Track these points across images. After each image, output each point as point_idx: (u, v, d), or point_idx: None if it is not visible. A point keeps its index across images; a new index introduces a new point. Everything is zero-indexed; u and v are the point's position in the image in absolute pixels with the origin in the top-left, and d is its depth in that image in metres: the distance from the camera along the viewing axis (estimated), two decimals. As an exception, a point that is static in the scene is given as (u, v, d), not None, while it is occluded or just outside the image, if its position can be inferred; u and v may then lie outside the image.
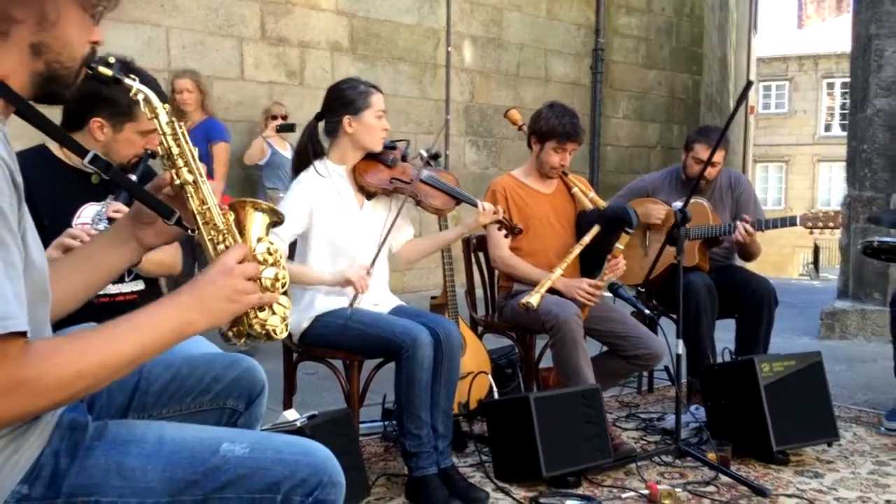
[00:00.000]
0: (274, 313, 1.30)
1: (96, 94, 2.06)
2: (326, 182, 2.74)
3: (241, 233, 1.32)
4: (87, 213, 2.22)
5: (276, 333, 1.30)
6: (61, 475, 1.12)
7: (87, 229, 2.00)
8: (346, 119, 2.71)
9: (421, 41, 7.50)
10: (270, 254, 1.31)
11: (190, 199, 1.31)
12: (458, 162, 7.76)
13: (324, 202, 2.71)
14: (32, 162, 2.16)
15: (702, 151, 3.66)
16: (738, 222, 3.49)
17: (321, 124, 2.81)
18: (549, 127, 3.21)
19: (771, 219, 3.55)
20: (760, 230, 3.51)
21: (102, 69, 1.24)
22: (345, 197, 2.76)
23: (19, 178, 1.07)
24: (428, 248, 2.98)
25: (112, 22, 5.58)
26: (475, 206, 2.88)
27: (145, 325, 1.14)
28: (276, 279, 1.30)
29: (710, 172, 3.62)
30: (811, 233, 3.57)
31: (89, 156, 1.28)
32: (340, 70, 6.76)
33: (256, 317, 1.28)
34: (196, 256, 4.12)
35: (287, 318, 1.33)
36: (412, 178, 2.78)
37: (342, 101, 2.73)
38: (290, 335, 2.77)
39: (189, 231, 1.34)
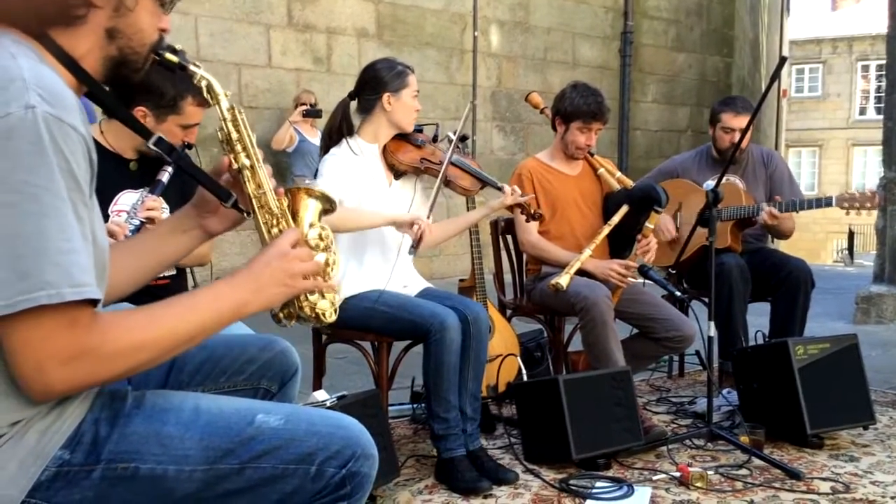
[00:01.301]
0: (324, 297, 1.34)
1: (144, 83, 2.07)
2: (358, 159, 2.76)
3: (294, 218, 1.36)
4: (124, 201, 2.23)
5: (325, 317, 1.35)
6: (101, 442, 1.13)
7: (124, 226, 2.03)
8: (385, 96, 2.72)
9: (447, 26, 7.47)
10: (322, 239, 1.36)
11: (247, 183, 1.35)
12: (486, 147, 7.74)
13: (354, 177, 2.72)
14: None
15: (729, 120, 3.62)
16: (764, 205, 3.43)
17: (353, 103, 2.82)
18: (574, 107, 3.18)
19: (806, 199, 3.48)
20: (795, 211, 3.44)
21: (169, 56, 1.28)
22: (375, 174, 2.77)
23: (94, 156, 1.10)
24: (453, 230, 2.96)
25: (141, 10, 5.63)
26: (500, 188, 2.86)
27: (205, 304, 1.19)
28: (328, 264, 1.34)
29: (743, 139, 3.56)
30: (847, 213, 3.50)
31: (154, 138, 1.32)
32: (367, 56, 6.75)
33: (307, 300, 1.32)
34: None
35: (336, 303, 1.36)
36: (441, 159, 2.79)
37: (380, 79, 2.74)
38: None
39: (245, 214, 1.38)
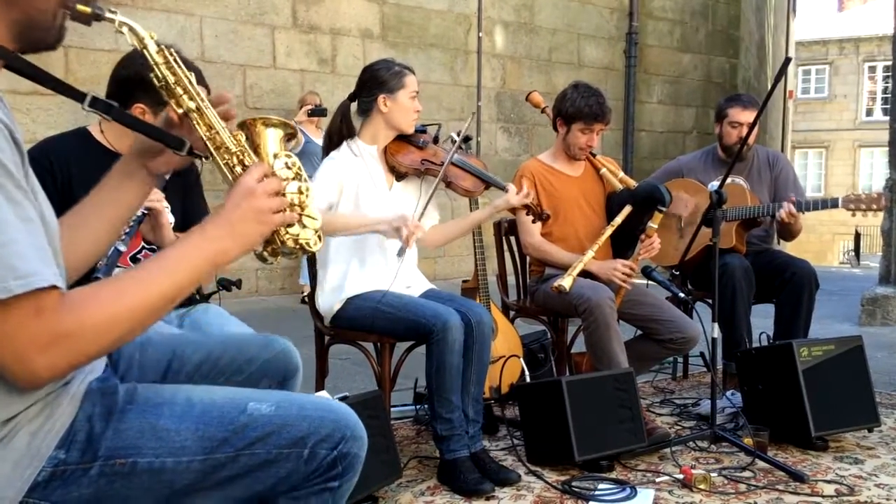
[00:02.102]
0: (305, 226, 1.27)
1: (140, 80, 2.05)
2: (358, 161, 2.75)
3: (256, 151, 1.29)
4: None
5: (309, 246, 1.28)
6: (97, 439, 1.14)
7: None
8: (381, 98, 2.71)
9: (452, 27, 7.47)
10: (289, 168, 1.28)
11: (197, 126, 1.27)
12: (490, 148, 7.73)
13: (354, 180, 2.71)
14: (74, 145, 2.18)
15: (736, 114, 3.62)
16: (785, 202, 3.42)
17: (353, 105, 2.82)
18: (576, 108, 3.17)
19: (812, 200, 3.48)
20: (801, 212, 3.44)
21: (80, 7, 1.19)
22: (375, 176, 2.76)
23: (19, 136, 1.05)
24: (456, 231, 2.96)
25: (145, 10, 5.64)
26: (504, 189, 2.85)
27: (177, 261, 1.14)
28: (301, 192, 1.26)
29: (747, 136, 3.55)
30: (853, 215, 3.49)
31: (88, 98, 1.24)
32: (372, 57, 6.76)
33: (288, 233, 1.26)
34: None
35: (318, 231, 1.29)
36: (443, 160, 2.77)
37: (377, 80, 2.73)
38: (321, 318, 2.79)
39: (202, 158, 1.31)
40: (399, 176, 2.80)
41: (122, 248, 1.92)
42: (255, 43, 6.32)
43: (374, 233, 2.62)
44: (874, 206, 3.41)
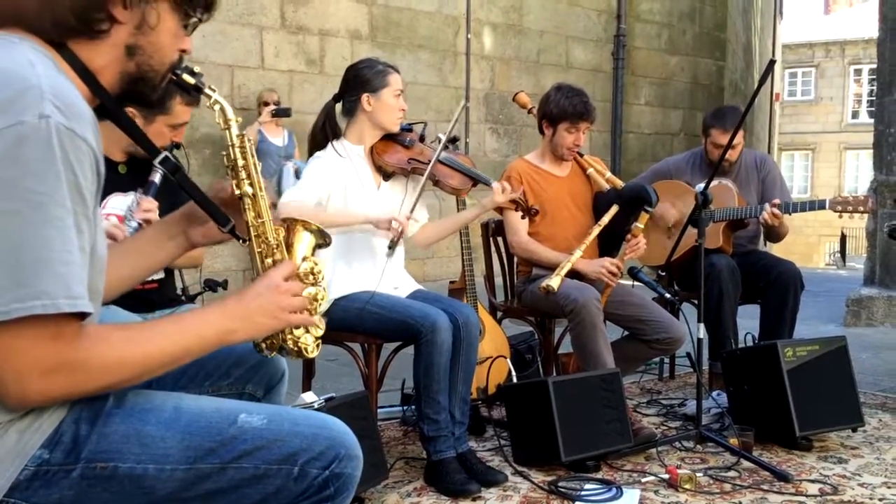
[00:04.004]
0: (308, 332, 1.35)
1: None
2: (344, 162, 2.74)
3: (288, 250, 1.38)
4: (113, 204, 2.22)
5: (307, 352, 1.36)
6: (81, 441, 1.13)
7: (123, 228, 2.02)
8: (364, 97, 2.71)
9: (441, 28, 7.47)
10: (313, 274, 1.36)
11: (247, 210, 1.37)
12: (479, 150, 7.74)
13: (341, 181, 2.71)
14: None
15: (719, 136, 3.61)
16: (766, 204, 3.44)
17: (339, 105, 2.81)
18: (560, 109, 3.18)
19: (799, 202, 3.49)
20: (788, 213, 3.45)
21: (186, 77, 1.29)
22: (363, 177, 2.76)
23: (102, 169, 1.11)
24: (445, 230, 2.96)
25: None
26: (489, 185, 2.85)
27: (191, 327, 1.19)
28: (315, 299, 1.34)
29: (731, 154, 3.58)
30: (840, 216, 3.51)
31: (160, 156, 1.33)
32: (360, 58, 6.75)
33: (291, 333, 1.34)
34: None
35: (319, 339, 1.37)
36: (429, 158, 2.77)
37: (360, 79, 2.72)
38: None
39: (241, 241, 1.39)
40: (386, 175, 2.80)
41: None
42: (243, 43, 6.29)
43: (365, 224, 2.62)
44: (861, 209, 3.44)
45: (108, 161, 2.18)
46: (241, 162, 1.37)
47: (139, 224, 2.06)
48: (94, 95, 1.17)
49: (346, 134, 2.80)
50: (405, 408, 3.20)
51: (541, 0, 8.22)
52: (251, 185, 1.37)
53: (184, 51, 1.26)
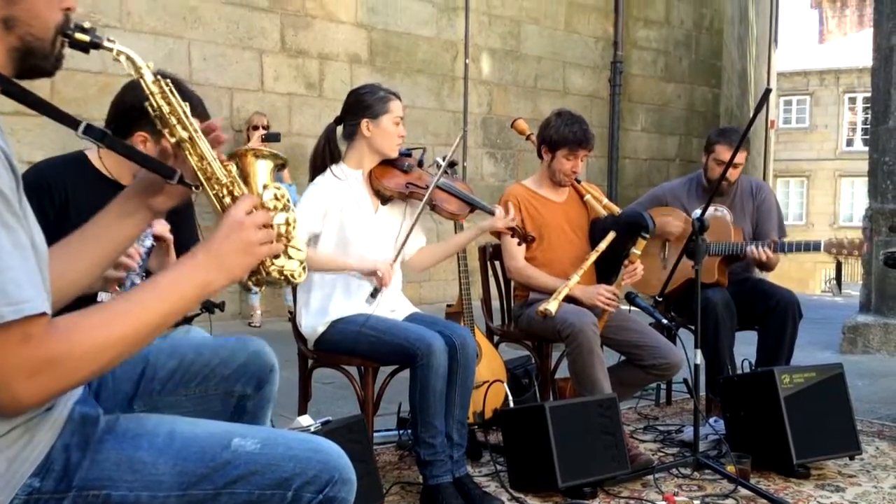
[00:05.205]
0: (290, 257, 1.28)
1: (142, 108, 2.04)
2: (343, 185, 2.76)
3: (246, 182, 1.30)
4: None
5: (294, 277, 1.28)
6: (73, 469, 1.11)
7: (137, 248, 1.99)
8: (363, 122, 2.73)
9: (439, 53, 7.54)
10: (278, 199, 1.29)
11: (189, 156, 1.29)
12: (476, 174, 7.78)
13: (339, 205, 2.72)
14: (70, 170, 2.15)
15: (723, 153, 3.62)
16: (761, 243, 3.44)
17: (339, 128, 2.83)
18: (560, 136, 3.20)
19: (794, 242, 3.49)
20: (782, 252, 3.46)
21: (79, 35, 1.19)
22: (360, 201, 2.77)
23: (15, 162, 1.05)
24: (442, 253, 2.97)
25: (134, 33, 5.66)
26: (491, 212, 2.87)
27: (166, 290, 1.14)
28: (288, 223, 1.28)
29: (733, 174, 3.58)
30: (835, 258, 3.51)
31: (81, 126, 1.24)
32: (359, 82, 6.80)
33: (273, 263, 1.26)
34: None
35: (304, 262, 1.30)
36: (427, 183, 2.78)
37: (361, 104, 2.74)
38: (304, 340, 2.78)
39: (193, 188, 1.32)
40: (384, 200, 2.81)
41: (139, 280, 1.90)
42: (243, 66, 6.34)
43: (354, 272, 2.65)
44: (856, 252, 3.43)
45: (118, 186, 2.16)
46: (166, 108, 1.29)
47: (152, 245, 2.03)
48: None
49: (345, 158, 2.82)
50: (401, 432, 3.19)
51: (538, 27, 8.30)
52: (184, 128, 1.29)
53: (68, 8, 1.17)
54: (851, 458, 3.06)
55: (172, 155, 1.32)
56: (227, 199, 1.27)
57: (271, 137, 5.70)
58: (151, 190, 1.37)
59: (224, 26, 6.22)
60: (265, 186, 1.30)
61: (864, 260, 6.07)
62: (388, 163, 2.81)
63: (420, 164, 2.89)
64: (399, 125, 2.77)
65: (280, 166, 1.36)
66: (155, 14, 5.81)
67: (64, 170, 2.16)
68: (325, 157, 2.79)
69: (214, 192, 1.28)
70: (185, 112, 1.30)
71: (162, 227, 2.08)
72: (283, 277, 1.28)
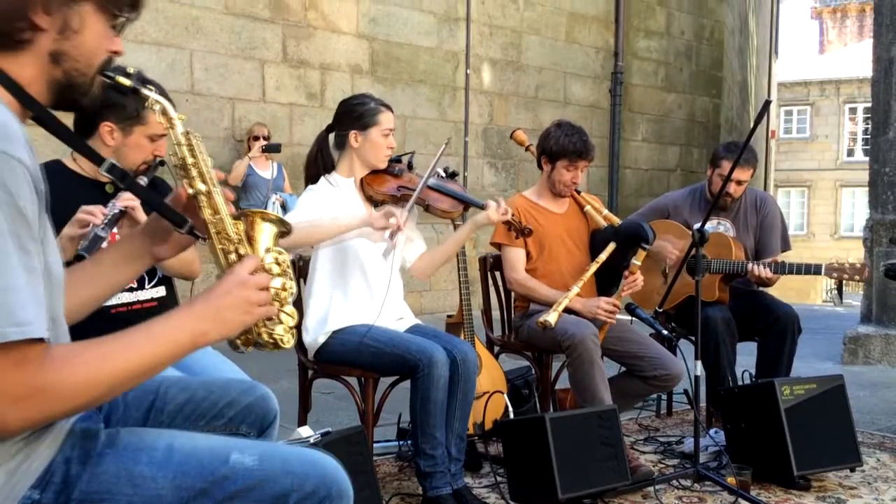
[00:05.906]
0: (281, 322, 1.30)
1: (105, 99, 2.05)
2: (336, 191, 2.77)
3: (250, 243, 1.33)
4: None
5: (282, 343, 1.31)
6: (72, 482, 1.12)
7: (101, 208, 1.98)
8: (352, 133, 2.73)
9: (440, 64, 7.56)
10: (278, 264, 1.31)
11: (202, 208, 1.32)
12: (477, 184, 7.79)
13: (333, 210, 2.71)
14: (49, 176, 2.17)
15: (727, 169, 3.61)
16: (761, 263, 3.43)
17: (331, 137, 2.84)
18: (560, 146, 3.21)
19: (795, 263, 3.47)
20: (783, 273, 3.45)
21: (121, 79, 1.26)
22: (353, 207, 2.76)
23: (41, 186, 1.08)
24: (442, 254, 2.93)
25: (135, 44, 5.68)
26: (483, 207, 2.85)
27: (161, 335, 1.15)
28: (284, 289, 1.30)
29: (737, 190, 3.58)
30: (833, 276, 3.46)
31: (106, 164, 1.28)
32: (360, 92, 6.85)
33: (265, 326, 1.29)
34: None
35: (293, 328, 1.33)
36: (418, 184, 2.78)
37: (351, 115, 2.75)
38: (305, 351, 2.78)
39: (201, 240, 1.35)
40: (376, 204, 2.79)
41: (102, 234, 1.91)
42: (245, 77, 6.36)
43: (362, 226, 2.57)
44: (857, 277, 3.41)
45: (94, 183, 2.18)
46: (190, 160, 1.34)
47: (120, 212, 2.01)
48: (25, 108, 1.13)
49: (336, 166, 2.82)
50: (401, 443, 3.18)
51: (539, 37, 8.33)
52: (203, 182, 1.33)
53: (115, 52, 1.21)
54: (852, 470, 3.06)
55: (185, 205, 1.36)
56: (233, 256, 1.31)
57: (272, 148, 5.71)
58: (158, 236, 1.40)
59: (226, 37, 6.24)
60: (268, 250, 1.34)
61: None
62: (378, 170, 2.82)
63: (410, 166, 2.89)
64: (389, 136, 2.76)
65: (283, 233, 1.38)
66: (157, 24, 5.83)
67: (45, 175, 2.16)
68: (318, 165, 2.80)
69: (222, 247, 1.32)
70: (207, 166, 1.35)
71: (127, 198, 2.06)
72: (271, 341, 1.30)
